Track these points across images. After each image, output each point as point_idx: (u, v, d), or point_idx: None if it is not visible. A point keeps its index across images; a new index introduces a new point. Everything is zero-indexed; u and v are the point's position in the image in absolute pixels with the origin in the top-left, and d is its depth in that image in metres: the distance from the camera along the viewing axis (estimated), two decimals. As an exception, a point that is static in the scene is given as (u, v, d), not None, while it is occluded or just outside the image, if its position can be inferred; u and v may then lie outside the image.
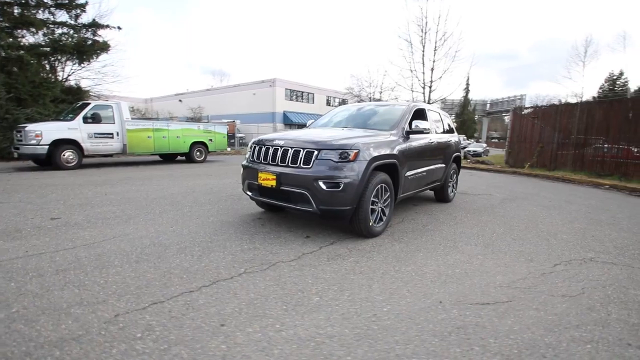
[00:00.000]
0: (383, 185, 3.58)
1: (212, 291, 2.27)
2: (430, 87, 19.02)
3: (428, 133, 4.57)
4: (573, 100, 27.26)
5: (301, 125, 31.88)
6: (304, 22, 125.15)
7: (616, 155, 10.87)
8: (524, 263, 3.08)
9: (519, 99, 54.51)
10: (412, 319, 2.04)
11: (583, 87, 50.60)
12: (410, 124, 4.24)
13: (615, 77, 41.80)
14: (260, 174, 3.54)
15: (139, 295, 2.17)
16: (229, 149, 13.68)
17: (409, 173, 4.13)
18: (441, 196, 5.68)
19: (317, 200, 3.20)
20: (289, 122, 30.82)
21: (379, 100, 32.38)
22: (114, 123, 9.45)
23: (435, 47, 18.50)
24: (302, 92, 33.17)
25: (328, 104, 36.75)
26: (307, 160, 3.29)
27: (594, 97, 39.25)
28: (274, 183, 3.41)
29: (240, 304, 2.13)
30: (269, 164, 3.56)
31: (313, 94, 34.22)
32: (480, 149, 27.55)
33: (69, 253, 2.85)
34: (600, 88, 42.84)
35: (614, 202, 6.74)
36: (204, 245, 3.17)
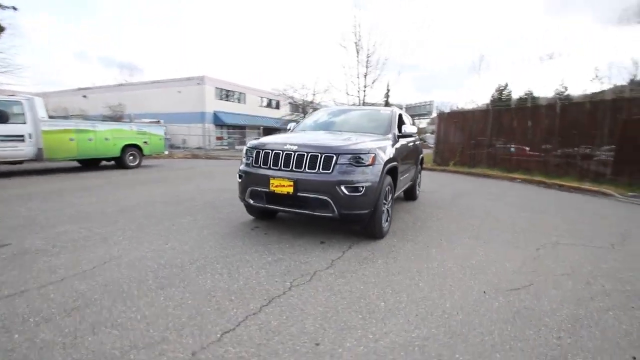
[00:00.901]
0: (389, 186, 3.74)
1: (276, 310, 2.11)
2: (364, 91, 20.18)
3: (415, 136, 4.89)
4: (470, 107, 31.91)
5: (235, 127, 30.56)
6: (234, 20, 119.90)
7: (517, 154, 13.16)
8: (514, 250, 3.55)
9: (428, 104, 61.57)
10: (476, 311, 2.22)
11: (478, 95, 59.22)
12: (399, 128, 4.50)
13: (502, 88, 50.55)
14: (272, 181, 3.37)
15: (201, 326, 1.90)
16: (166, 152, 12.38)
17: (400, 174, 4.38)
18: (411, 195, 6.14)
19: (339, 205, 3.19)
20: (220, 123, 29.23)
21: (312, 102, 33.01)
22: (24, 123, 7.76)
23: (368, 54, 19.73)
24: (234, 92, 31.73)
25: (265, 105, 35.92)
26: (327, 165, 3.25)
27: (486, 105, 46.80)
28: (290, 189, 3.28)
29: (315, 319, 2.03)
30: (280, 169, 3.41)
31: (245, 93, 33.02)
32: (404, 149, 30.35)
33: (63, 286, 2.32)
34: (491, 96, 51.24)
35: (533, 193, 8.14)
36: (222, 261, 2.89)
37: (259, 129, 29.43)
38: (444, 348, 1.79)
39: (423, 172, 12.95)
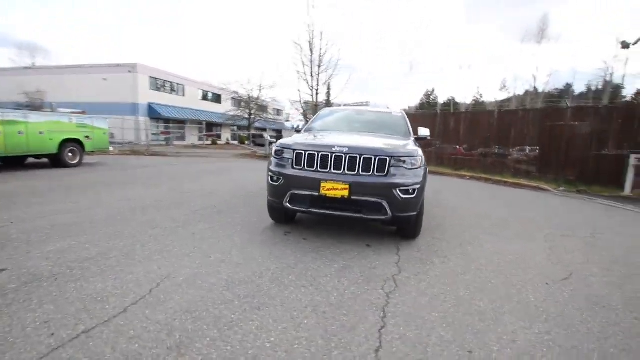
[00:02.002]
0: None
1: (399, 321, 2.03)
2: (317, 90, 20.31)
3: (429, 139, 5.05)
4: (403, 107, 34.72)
5: (174, 120, 28.03)
6: (174, 7, 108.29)
7: (455, 153, 14.71)
8: (529, 244, 3.97)
9: (365, 104, 64.89)
10: (557, 302, 2.44)
11: (410, 97, 64.13)
12: (415, 131, 4.65)
13: (429, 93, 55.71)
14: (324, 184, 3.20)
15: (346, 347, 1.73)
16: (111, 149, 10.79)
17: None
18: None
19: (393, 207, 3.19)
20: (156, 116, 26.51)
21: (257, 99, 32.12)
22: None
23: (321, 54, 19.89)
24: (172, 83, 29.01)
25: (204, 98, 33.52)
26: (381, 168, 3.22)
27: (416, 107, 51.53)
28: (345, 193, 3.16)
29: (442, 326, 2.01)
30: (330, 172, 3.26)
31: (184, 85, 30.45)
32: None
33: (135, 319, 1.90)
34: (420, 100, 56.10)
35: (488, 189, 9.14)
36: (291, 272, 2.67)
37: (201, 123, 27.58)
38: (574, 339, 1.94)
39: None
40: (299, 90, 20.71)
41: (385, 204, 3.17)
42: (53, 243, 3.03)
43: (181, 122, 28.72)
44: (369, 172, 3.21)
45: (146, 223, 3.83)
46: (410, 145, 3.65)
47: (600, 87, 48.06)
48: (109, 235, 3.34)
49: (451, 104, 53.46)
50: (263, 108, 35.11)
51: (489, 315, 2.18)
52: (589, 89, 50.02)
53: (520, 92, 50.04)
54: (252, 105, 31.49)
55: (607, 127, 10.58)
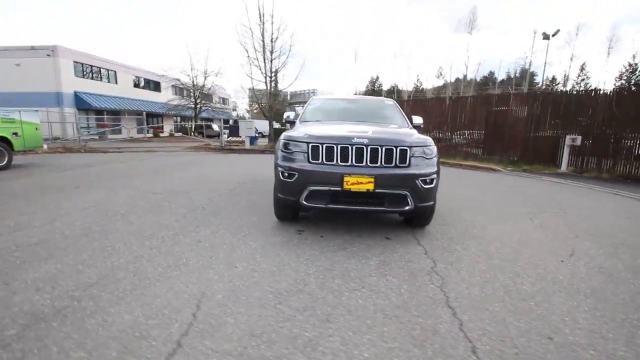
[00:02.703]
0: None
1: (473, 316, 2.01)
2: (271, 77, 19.58)
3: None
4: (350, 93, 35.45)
5: (107, 112, 24.98)
6: None
7: None
8: (518, 222, 4.27)
9: (312, 92, 64.74)
10: (582, 277, 2.64)
11: (356, 84, 65.58)
12: (410, 119, 4.67)
13: (374, 80, 57.54)
14: (347, 178, 3.05)
15: (441, 349, 1.66)
16: (45, 147, 9.19)
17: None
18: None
19: (416, 198, 3.17)
20: (85, 107, 23.32)
21: (203, 86, 30.07)
22: None
23: (272, 38, 19.13)
24: (100, 69, 25.56)
25: (141, 85, 30.20)
26: (403, 159, 3.15)
27: (362, 94, 53.14)
28: (371, 186, 3.05)
29: (511, 316, 2.04)
30: (353, 165, 3.12)
31: (116, 72, 27.07)
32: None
33: None
34: (366, 87, 57.75)
35: (452, 172, 9.74)
36: (335, 276, 2.51)
37: (140, 114, 24.97)
38: (615, 312, 2.10)
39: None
40: (250, 77, 19.74)
41: (409, 195, 3.14)
42: (34, 269, 2.46)
43: (115, 114, 25.73)
44: (391, 163, 3.14)
45: (136, 233, 3.32)
46: (419, 135, 3.65)
47: (518, 75, 54.25)
48: (99, 251, 2.82)
49: (394, 91, 55.77)
50: (208, 97, 33.10)
51: (540, 297, 2.28)
52: (509, 77, 56.01)
53: (454, 79, 54.31)
54: (197, 93, 29.43)
55: (541, 112, 11.89)
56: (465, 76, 49.46)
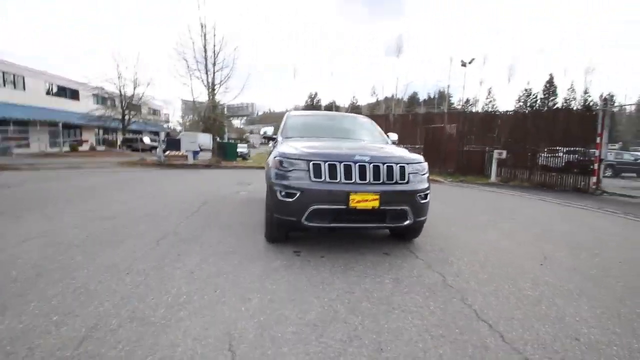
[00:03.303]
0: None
1: (517, 326, 2.10)
2: (213, 89, 18.79)
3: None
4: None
5: (13, 122, 21.06)
6: None
7: None
8: (486, 231, 4.67)
9: (250, 105, 63.93)
10: (572, 279, 2.96)
11: (296, 99, 66.65)
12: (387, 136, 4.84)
13: (313, 96, 59.19)
14: (353, 196, 3.00)
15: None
16: None
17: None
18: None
19: (415, 213, 3.26)
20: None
21: (132, 97, 27.53)
22: None
23: (214, 50, 18.49)
24: (4, 73, 21.53)
25: (49, 92, 26.12)
26: (402, 175, 3.23)
27: (302, 108, 54.48)
28: (376, 204, 3.04)
29: (554, 322, 2.18)
30: (355, 183, 3.08)
31: (24, 76, 23.06)
32: (245, 150, 29.96)
33: None
34: (305, 103, 59.08)
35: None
36: (358, 298, 2.42)
37: (55, 125, 21.68)
38: (610, 300, 2.40)
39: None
40: (190, 88, 18.68)
41: (409, 210, 3.21)
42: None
43: (23, 124, 21.91)
44: (392, 180, 3.19)
45: (107, 268, 2.80)
46: (411, 153, 3.79)
47: (437, 96, 61.01)
48: (71, 294, 2.30)
49: (332, 107, 57.96)
50: (138, 107, 30.37)
51: (546, 302, 2.47)
52: (429, 97, 62.59)
53: (384, 97, 58.68)
54: (124, 103, 26.78)
55: (470, 129, 13.44)
56: (394, 95, 53.72)
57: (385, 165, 3.18)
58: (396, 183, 3.20)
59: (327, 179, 3.08)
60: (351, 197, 3.01)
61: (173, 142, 19.90)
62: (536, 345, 1.90)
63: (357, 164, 3.12)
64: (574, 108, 15.96)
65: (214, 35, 18.30)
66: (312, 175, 3.09)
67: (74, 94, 27.87)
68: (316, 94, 59.82)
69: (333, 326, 2.02)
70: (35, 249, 3.22)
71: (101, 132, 30.87)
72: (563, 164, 10.75)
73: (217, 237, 3.85)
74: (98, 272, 2.72)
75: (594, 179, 9.74)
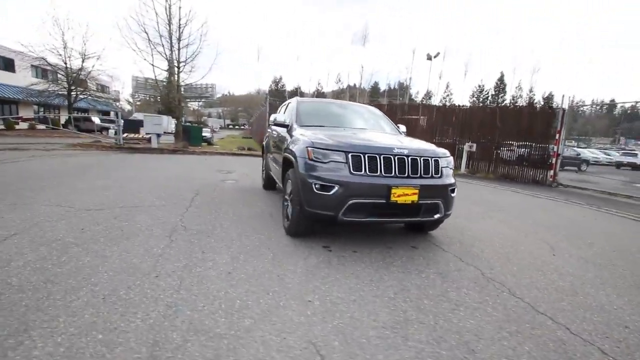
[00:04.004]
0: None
1: (571, 316, 2.19)
2: (178, 66, 17.41)
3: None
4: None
5: None
6: None
7: None
8: (486, 221, 4.90)
9: (210, 87, 60.68)
10: (586, 268, 3.19)
11: (259, 83, 64.47)
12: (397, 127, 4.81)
13: (278, 80, 57.64)
14: (395, 190, 2.92)
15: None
16: None
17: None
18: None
19: (446, 207, 3.29)
20: None
21: (80, 70, 24.60)
22: None
23: (180, 24, 17.06)
24: None
25: None
26: (437, 169, 3.21)
27: (266, 92, 53.18)
28: (415, 198, 3.00)
29: (599, 309, 2.30)
30: (396, 176, 3.00)
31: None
32: (208, 134, 28.35)
33: None
34: (269, 87, 57.47)
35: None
36: (415, 295, 2.38)
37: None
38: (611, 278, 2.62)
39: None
40: (152, 65, 17.12)
41: (441, 204, 3.23)
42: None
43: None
44: (428, 174, 3.17)
45: (132, 271, 2.46)
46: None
47: (397, 87, 62.77)
48: (100, 305, 1.97)
49: (298, 93, 57.29)
50: (84, 83, 27.34)
51: (580, 291, 2.64)
52: (390, 88, 64.20)
53: (347, 86, 59.08)
54: (70, 78, 23.93)
55: (444, 122, 13.99)
56: (358, 84, 54.26)
57: (422, 158, 3.14)
58: (432, 177, 3.18)
59: (367, 172, 2.97)
60: (393, 190, 2.93)
61: (128, 124, 18.28)
62: (600, 335, 2.01)
63: (396, 157, 3.04)
64: (537, 106, 17.31)
65: (180, 8, 16.87)
66: (351, 167, 2.96)
67: (8, 65, 24.22)
68: (281, 78, 58.40)
69: (412, 328, 1.97)
70: (25, 249, 2.73)
71: (42, 109, 27.39)
72: (525, 157, 11.63)
73: (232, 230, 3.58)
74: (120, 275, 2.38)
75: (551, 173, 10.69)
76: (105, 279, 2.31)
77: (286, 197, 3.63)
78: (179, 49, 17.27)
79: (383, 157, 3.01)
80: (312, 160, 3.05)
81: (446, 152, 3.47)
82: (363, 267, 2.83)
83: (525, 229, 4.56)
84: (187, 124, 29.24)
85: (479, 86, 54.31)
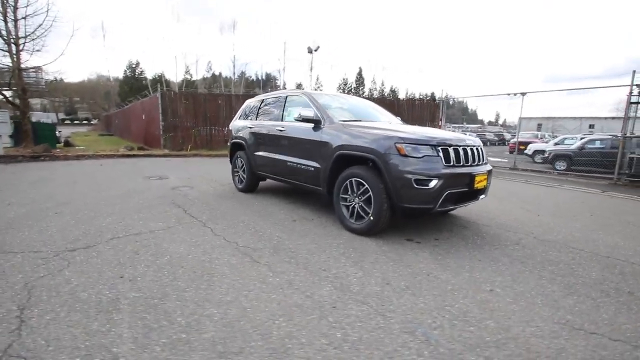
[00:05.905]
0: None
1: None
2: (17, 44, 12.72)
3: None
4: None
5: None
6: None
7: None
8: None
9: (33, 70, 46.67)
10: (605, 227, 4.27)
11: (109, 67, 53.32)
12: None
13: (134, 65, 48.88)
14: (477, 177, 3.23)
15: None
16: None
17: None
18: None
19: (487, 189, 3.79)
20: None
21: None
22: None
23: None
24: None
25: None
26: (484, 156, 3.66)
27: (121, 80, 44.55)
28: (485, 182, 3.41)
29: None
30: (471, 165, 3.30)
31: None
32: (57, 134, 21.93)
33: None
34: (123, 73, 48.29)
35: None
36: (466, 284, 2.76)
37: None
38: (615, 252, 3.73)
39: (159, 160, 11.57)
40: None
41: (487, 187, 3.72)
42: None
43: None
44: (484, 161, 3.60)
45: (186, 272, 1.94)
46: None
47: (264, 77, 63.44)
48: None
49: (162, 81, 50.65)
50: None
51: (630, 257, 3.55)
52: (257, 79, 64.31)
53: (218, 74, 55.99)
54: None
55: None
56: (230, 75, 51.82)
57: (479, 147, 3.54)
58: (486, 163, 3.64)
59: (455, 163, 3.17)
60: (476, 178, 3.24)
61: (-63, 122, 12.62)
62: None
63: (469, 148, 3.34)
64: (425, 99, 20.69)
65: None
66: (443, 160, 3.09)
67: None
68: (138, 63, 49.61)
69: (555, 315, 2.08)
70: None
71: None
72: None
73: (302, 248, 3.15)
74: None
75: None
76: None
77: (346, 197, 3.46)
78: (15, 20, 12.66)
79: (462, 149, 3.26)
80: (404, 155, 3.02)
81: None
82: (458, 257, 2.93)
83: (516, 205, 5.32)
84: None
85: (344, 79, 60.53)
